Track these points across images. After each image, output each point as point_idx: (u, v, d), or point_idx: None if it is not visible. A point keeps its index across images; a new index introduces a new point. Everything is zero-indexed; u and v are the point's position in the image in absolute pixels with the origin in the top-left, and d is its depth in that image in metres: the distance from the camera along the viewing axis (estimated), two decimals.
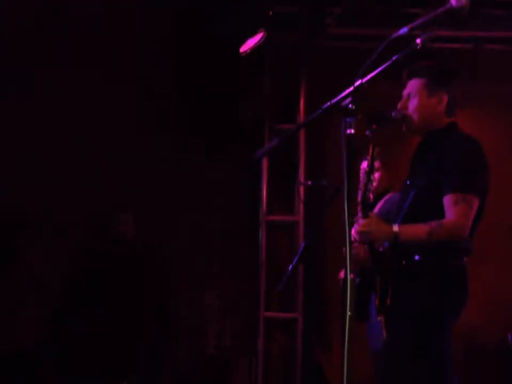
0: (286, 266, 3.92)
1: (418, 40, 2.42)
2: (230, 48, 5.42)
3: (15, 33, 5.11)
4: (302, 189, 5.47)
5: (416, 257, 2.84)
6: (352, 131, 2.38)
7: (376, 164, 3.07)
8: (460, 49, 5.74)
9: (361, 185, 3.01)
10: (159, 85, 5.58)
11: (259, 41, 5.36)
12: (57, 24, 5.21)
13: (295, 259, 3.87)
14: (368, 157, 2.99)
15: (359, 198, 2.94)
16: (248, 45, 5.37)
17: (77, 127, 5.41)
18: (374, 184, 3.50)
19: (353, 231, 2.83)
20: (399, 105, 3.01)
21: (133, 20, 5.23)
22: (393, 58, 2.42)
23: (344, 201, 2.35)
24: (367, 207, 2.91)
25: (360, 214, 2.90)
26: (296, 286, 5.51)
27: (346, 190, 2.36)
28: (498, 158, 3.01)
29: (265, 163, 5.62)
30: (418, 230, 2.79)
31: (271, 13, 5.45)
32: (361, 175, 3.99)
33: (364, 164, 4.06)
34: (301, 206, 5.55)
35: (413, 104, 2.98)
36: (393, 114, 2.98)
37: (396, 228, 2.79)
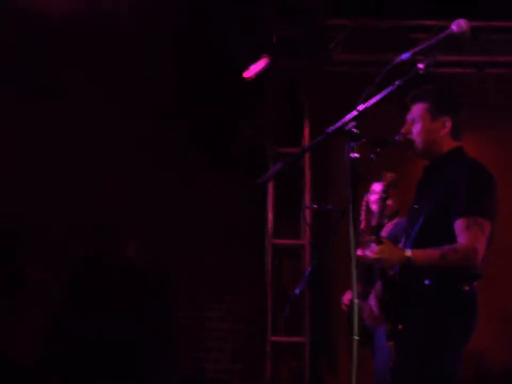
0: (292, 290, 3.91)
1: (420, 65, 2.44)
2: (234, 72, 5.48)
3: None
4: (307, 213, 5.48)
5: (426, 282, 2.84)
6: (357, 155, 2.40)
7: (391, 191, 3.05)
8: (462, 74, 5.79)
9: (375, 211, 2.99)
10: (164, 107, 5.63)
11: (263, 67, 5.41)
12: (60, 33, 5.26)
13: (302, 283, 3.87)
14: (384, 183, 2.96)
15: (373, 223, 2.92)
16: (252, 70, 5.43)
17: (79, 141, 5.44)
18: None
19: (367, 253, 2.82)
20: (403, 130, 3.02)
21: (137, 40, 5.28)
22: (396, 83, 2.45)
23: (349, 225, 2.36)
24: (380, 232, 2.89)
25: (373, 238, 2.87)
26: (303, 310, 5.49)
27: (352, 213, 2.38)
28: (503, 182, 3.00)
29: (270, 187, 5.65)
30: (431, 254, 2.78)
31: (274, 38, 5.51)
32: (371, 198, 3.98)
33: (375, 187, 4.05)
34: (307, 229, 5.56)
35: (416, 129, 2.99)
36: (397, 138, 2.99)
37: (408, 252, 2.78)
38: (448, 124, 2.98)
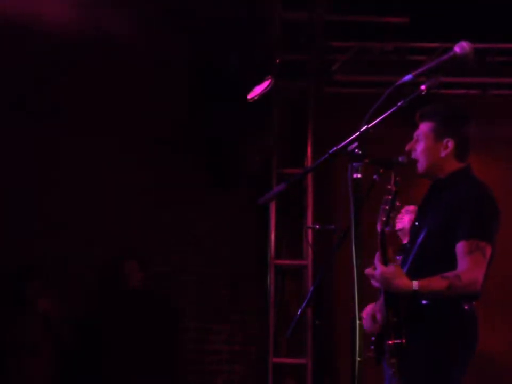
0: (294, 311, 3.89)
1: (423, 87, 2.45)
2: (238, 94, 5.51)
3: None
4: (310, 233, 5.47)
5: (424, 302, 2.83)
6: (359, 175, 2.40)
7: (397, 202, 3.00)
8: (466, 94, 5.82)
9: (382, 215, 2.89)
10: (166, 130, 5.65)
11: (266, 88, 5.44)
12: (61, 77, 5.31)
13: (304, 303, 3.85)
14: (391, 186, 2.84)
15: (378, 228, 2.84)
16: (256, 92, 5.46)
17: (83, 177, 5.47)
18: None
19: (374, 272, 2.79)
20: (407, 147, 3.02)
21: (141, 65, 5.32)
22: (399, 104, 2.46)
23: (352, 246, 2.36)
24: (386, 249, 2.83)
25: (379, 256, 2.81)
26: (305, 331, 5.46)
27: (354, 234, 2.37)
28: (506, 202, 3.00)
29: (273, 207, 5.64)
30: (438, 286, 2.74)
31: (278, 60, 5.55)
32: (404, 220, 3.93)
33: (408, 207, 4.04)
34: (309, 250, 5.55)
35: (420, 147, 2.99)
36: (400, 159, 2.98)
37: (415, 285, 2.73)
38: (451, 145, 2.97)
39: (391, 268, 2.77)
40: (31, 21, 4.58)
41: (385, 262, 2.78)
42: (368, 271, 2.82)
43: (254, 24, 5.26)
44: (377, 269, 2.78)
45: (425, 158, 2.99)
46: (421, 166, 3.00)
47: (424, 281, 2.77)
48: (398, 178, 2.84)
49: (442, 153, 2.98)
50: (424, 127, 3.00)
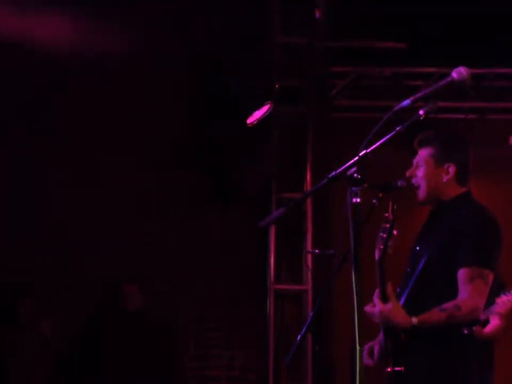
0: (294, 336, 3.87)
1: (421, 112, 2.46)
2: (238, 118, 5.54)
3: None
4: (309, 258, 5.46)
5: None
6: (358, 200, 2.40)
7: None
8: (463, 119, 5.85)
9: (379, 243, 2.87)
10: (167, 152, 5.67)
11: (266, 112, 5.48)
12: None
13: (304, 329, 3.82)
14: (389, 214, 2.82)
15: (377, 256, 2.83)
16: (255, 116, 5.49)
17: (81, 196, 5.46)
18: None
19: (373, 310, 2.78)
20: (407, 173, 3.01)
21: (141, 85, 5.34)
22: (397, 129, 2.47)
23: (351, 270, 2.35)
24: (385, 282, 2.81)
25: (378, 292, 2.79)
26: (305, 357, 5.42)
27: (354, 258, 2.36)
28: (506, 226, 2.99)
29: (272, 231, 5.63)
30: (437, 319, 2.74)
31: (277, 85, 5.59)
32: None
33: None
34: (309, 274, 5.53)
35: (420, 173, 2.98)
36: (399, 183, 2.99)
37: (414, 320, 2.73)
38: (452, 170, 2.96)
39: (389, 306, 2.75)
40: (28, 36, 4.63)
41: (384, 298, 2.76)
42: (367, 308, 2.81)
43: (254, 49, 5.30)
44: (376, 307, 2.77)
45: (426, 183, 2.98)
46: (422, 192, 2.99)
47: (423, 316, 2.76)
48: (395, 206, 2.83)
49: (444, 178, 2.98)
50: (423, 153, 3.00)
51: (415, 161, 3.04)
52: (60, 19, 4.78)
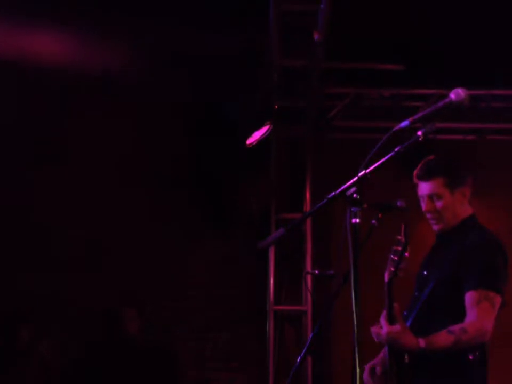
0: (294, 358, 3.84)
1: (420, 133, 2.48)
2: (237, 139, 5.56)
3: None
4: (309, 278, 5.44)
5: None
6: (358, 220, 2.40)
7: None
8: (462, 140, 5.87)
9: (390, 265, 2.86)
10: (166, 173, 5.67)
11: (265, 133, 5.50)
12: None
13: (304, 351, 3.80)
14: (401, 237, 2.82)
15: (386, 278, 2.81)
16: (255, 137, 5.51)
17: (81, 217, 5.46)
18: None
19: (380, 331, 2.77)
20: (425, 208, 3.01)
21: (140, 108, 5.37)
22: (396, 149, 2.48)
23: (351, 291, 2.34)
24: (393, 304, 2.80)
25: (385, 313, 2.79)
26: (305, 378, 5.38)
27: (354, 279, 2.36)
28: (507, 246, 2.99)
29: (272, 252, 5.63)
30: (444, 342, 2.73)
31: (276, 106, 5.61)
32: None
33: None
34: (309, 295, 5.51)
35: (439, 205, 3.00)
36: (398, 203, 2.99)
37: (422, 343, 2.73)
38: (467, 192, 3.03)
39: (397, 327, 2.75)
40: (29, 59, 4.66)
41: (391, 320, 2.76)
42: (374, 329, 2.80)
43: (253, 70, 5.34)
44: (384, 328, 2.77)
45: (449, 213, 3.01)
46: (447, 221, 3.01)
47: (431, 338, 2.75)
48: (407, 229, 2.84)
49: (461, 203, 3.02)
50: (435, 185, 3.01)
51: (425, 194, 3.03)
52: (55, 38, 4.81)
